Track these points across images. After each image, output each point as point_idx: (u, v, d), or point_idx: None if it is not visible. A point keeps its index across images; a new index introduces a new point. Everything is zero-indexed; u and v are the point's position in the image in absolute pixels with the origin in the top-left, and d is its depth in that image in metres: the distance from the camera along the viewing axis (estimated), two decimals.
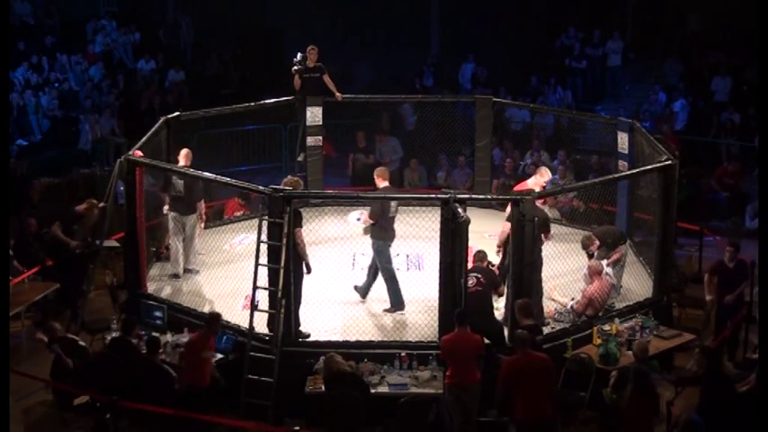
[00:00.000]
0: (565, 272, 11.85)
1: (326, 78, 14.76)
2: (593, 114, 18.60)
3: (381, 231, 11.33)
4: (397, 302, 11.38)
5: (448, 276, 10.26)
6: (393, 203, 11.36)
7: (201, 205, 12.72)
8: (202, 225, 12.96)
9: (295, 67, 14.56)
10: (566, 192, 14.12)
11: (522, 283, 10.43)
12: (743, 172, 17.48)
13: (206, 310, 11.36)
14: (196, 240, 12.66)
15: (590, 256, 11.48)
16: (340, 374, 9.80)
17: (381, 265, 11.38)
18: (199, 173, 12.11)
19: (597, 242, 11.55)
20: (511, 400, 8.98)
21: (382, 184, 11.68)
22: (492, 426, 9.90)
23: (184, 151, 12.58)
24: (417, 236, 11.98)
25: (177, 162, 12.56)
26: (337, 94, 14.83)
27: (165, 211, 12.64)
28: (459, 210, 10.09)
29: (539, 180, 12.16)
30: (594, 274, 11.11)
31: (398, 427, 9.79)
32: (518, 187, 12.24)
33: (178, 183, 12.30)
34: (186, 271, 12.50)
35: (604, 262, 11.44)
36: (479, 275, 10.64)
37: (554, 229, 12.48)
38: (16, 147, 18.13)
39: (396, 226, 11.52)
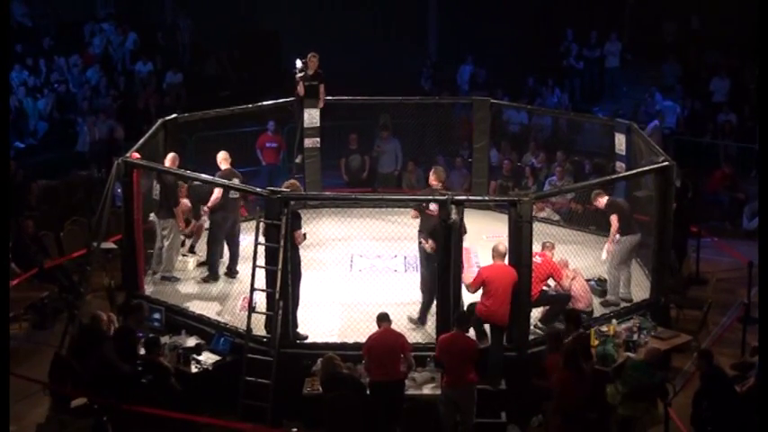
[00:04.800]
0: None
1: (321, 88, 14.73)
2: (590, 116, 18.60)
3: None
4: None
5: (444, 278, 10.26)
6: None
7: (179, 211, 12.37)
8: (186, 230, 12.85)
9: (298, 75, 14.53)
10: (564, 193, 14.13)
11: (521, 282, 10.44)
12: (739, 174, 17.45)
13: (204, 312, 11.37)
14: (178, 246, 12.53)
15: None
16: (337, 376, 9.80)
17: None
18: (196, 175, 12.10)
19: (603, 198, 11.69)
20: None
21: (225, 165, 12.22)
22: (488, 427, 9.89)
23: (171, 155, 12.47)
24: (415, 237, 11.96)
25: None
26: (321, 103, 14.76)
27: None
28: (453, 212, 10.08)
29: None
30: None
31: (404, 429, 9.80)
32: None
33: (156, 187, 12.24)
34: (164, 278, 12.30)
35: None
36: None
37: (552, 230, 12.48)
38: (13, 149, 18.08)
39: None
